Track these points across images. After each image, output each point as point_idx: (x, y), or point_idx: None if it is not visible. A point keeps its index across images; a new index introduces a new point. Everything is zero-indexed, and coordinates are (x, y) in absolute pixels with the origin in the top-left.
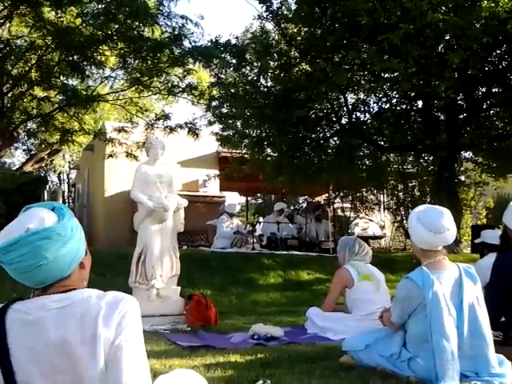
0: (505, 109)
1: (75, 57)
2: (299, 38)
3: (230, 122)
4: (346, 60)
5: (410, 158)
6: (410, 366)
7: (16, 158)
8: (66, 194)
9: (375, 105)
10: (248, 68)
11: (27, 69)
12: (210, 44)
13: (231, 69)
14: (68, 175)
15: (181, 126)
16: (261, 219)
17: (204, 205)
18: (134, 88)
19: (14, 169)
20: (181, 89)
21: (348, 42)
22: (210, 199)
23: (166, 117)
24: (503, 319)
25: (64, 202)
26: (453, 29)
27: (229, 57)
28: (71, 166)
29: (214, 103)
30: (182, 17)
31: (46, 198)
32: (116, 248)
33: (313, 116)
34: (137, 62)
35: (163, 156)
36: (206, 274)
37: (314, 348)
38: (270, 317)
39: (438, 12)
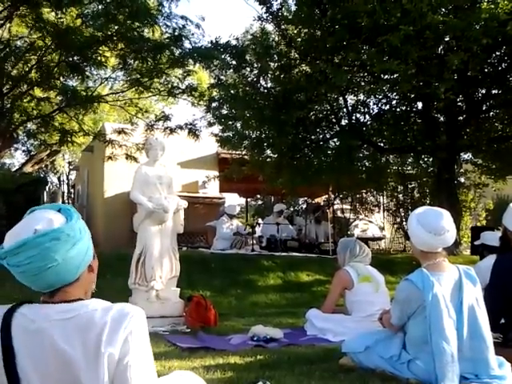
0: (504, 110)
1: (75, 57)
2: (299, 40)
3: (230, 123)
4: (346, 61)
5: (409, 160)
6: (409, 368)
7: (16, 158)
8: (65, 194)
9: (375, 106)
10: (248, 69)
11: (27, 69)
12: (210, 45)
13: (231, 70)
14: (68, 176)
15: (181, 127)
16: (260, 220)
17: (204, 206)
18: (133, 89)
19: (14, 169)
20: (181, 90)
21: (348, 44)
22: (210, 200)
23: (166, 118)
24: (503, 321)
25: (63, 203)
26: (453, 30)
27: (229, 58)
28: (71, 167)
29: (213, 104)
30: (183, 17)
31: (45, 198)
32: (116, 249)
33: (312, 117)
34: (137, 62)
35: (163, 157)
36: (205, 276)
37: (314, 350)
38: (270, 318)
39: (437, 13)
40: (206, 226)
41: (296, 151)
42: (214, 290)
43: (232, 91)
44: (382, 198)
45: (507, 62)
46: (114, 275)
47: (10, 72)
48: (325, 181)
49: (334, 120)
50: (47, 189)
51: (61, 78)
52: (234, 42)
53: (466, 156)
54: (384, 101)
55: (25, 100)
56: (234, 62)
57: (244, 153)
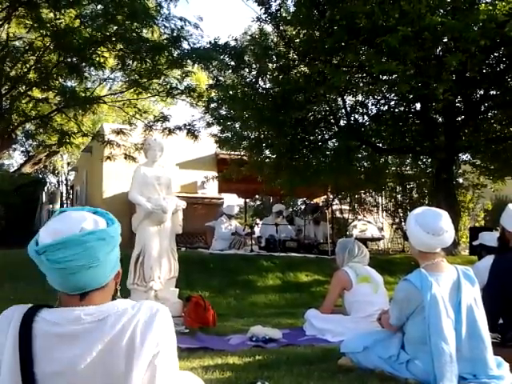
0: (503, 111)
1: (74, 58)
2: (298, 40)
3: (229, 123)
4: (345, 62)
5: (408, 160)
6: (408, 368)
7: (14, 159)
8: (64, 195)
9: (373, 107)
10: (247, 70)
11: (26, 70)
12: (208, 46)
13: (230, 71)
14: (66, 177)
15: (179, 128)
16: (258, 221)
17: (202, 206)
18: (132, 90)
19: (13, 170)
20: (179, 90)
21: (346, 45)
22: (209, 201)
23: (165, 118)
24: (501, 321)
25: (62, 204)
26: (451, 31)
27: (227, 59)
28: (70, 168)
29: (212, 105)
30: (181, 19)
31: (44, 199)
32: None
33: (311, 118)
34: (135, 63)
35: (162, 158)
36: (204, 276)
37: (313, 350)
38: (269, 319)
39: (436, 15)
40: (205, 227)
41: (295, 152)
42: (212, 291)
43: (231, 92)
44: (380, 198)
45: (505, 62)
46: None
47: (8, 73)
48: (323, 181)
49: (332, 121)
50: (46, 189)
51: (59, 79)
52: (232, 43)
53: (465, 157)
54: (382, 101)
55: (23, 101)
56: (232, 63)
57: (243, 153)
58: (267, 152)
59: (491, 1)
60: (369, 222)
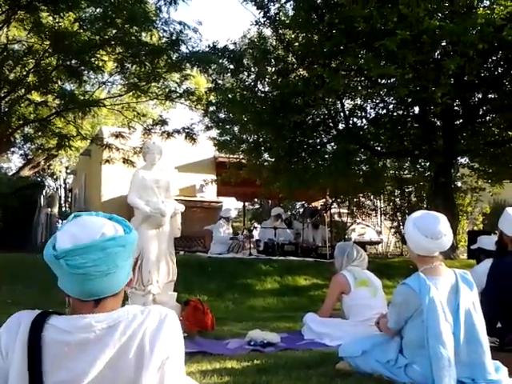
0: (501, 115)
1: (73, 61)
2: (296, 44)
3: (228, 127)
4: (343, 66)
5: (406, 164)
6: (406, 373)
7: (13, 162)
8: (62, 198)
9: (372, 110)
10: (245, 73)
11: (25, 73)
12: (207, 49)
13: (229, 74)
14: (65, 180)
15: (178, 131)
16: (256, 224)
17: (201, 210)
18: (131, 93)
19: (11, 173)
20: (178, 94)
21: (345, 48)
22: (208, 204)
23: (164, 122)
24: (499, 325)
25: (61, 207)
26: (449, 35)
27: (226, 62)
28: (68, 171)
29: (211, 108)
30: (180, 23)
31: (42, 202)
32: None
33: (310, 121)
34: (134, 67)
35: (160, 161)
36: (202, 280)
37: (311, 354)
38: (267, 322)
39: (434, 18)
40: (204, 230)
41: (293, 155)
42: (211, 294)
43: (229, 95)
44: (379, 202)
45: (503, 66)
46: None
47: (7, 76)
48: (322, 185)
49: (331, 124)
50: (44, 193)
51: (58, 82)
52: (231, 47)
53: (463, 160)
54: (381, 105)
55: (22, 104)
56: (231, 67)
57: (241, 157)
58: (266, 155)
59: (489, 5)
60: (367, 226)
